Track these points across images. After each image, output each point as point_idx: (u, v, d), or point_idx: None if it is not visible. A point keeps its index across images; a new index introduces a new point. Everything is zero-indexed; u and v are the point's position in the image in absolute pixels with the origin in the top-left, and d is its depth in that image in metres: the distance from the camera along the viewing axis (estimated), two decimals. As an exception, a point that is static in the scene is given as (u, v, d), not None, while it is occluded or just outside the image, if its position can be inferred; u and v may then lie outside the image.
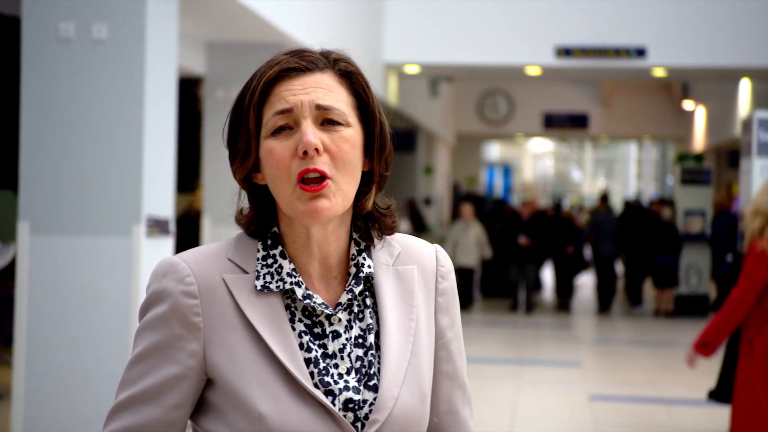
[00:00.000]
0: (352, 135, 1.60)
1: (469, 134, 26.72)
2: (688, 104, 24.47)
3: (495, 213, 19.29)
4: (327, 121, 1.59)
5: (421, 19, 14.59)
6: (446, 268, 1.73)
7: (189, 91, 10.03)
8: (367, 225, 1.68)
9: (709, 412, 8.34)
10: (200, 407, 1.63)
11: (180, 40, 9.63)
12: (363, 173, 1.65)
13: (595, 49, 14.35)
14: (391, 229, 1.70)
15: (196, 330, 1.59)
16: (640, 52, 14.22)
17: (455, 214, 22.86)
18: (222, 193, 9.94)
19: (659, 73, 15.07)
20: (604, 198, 17.57)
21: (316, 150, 1.56)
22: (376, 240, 1.68)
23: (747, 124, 7.52)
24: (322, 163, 1.57)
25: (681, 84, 24.13)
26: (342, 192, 1.59)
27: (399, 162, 20.68)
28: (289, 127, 1.59)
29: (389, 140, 1.66)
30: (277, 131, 1.59)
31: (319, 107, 1.58)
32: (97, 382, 6.44)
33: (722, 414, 8.13)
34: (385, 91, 15.19)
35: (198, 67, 9.92)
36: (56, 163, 6.47)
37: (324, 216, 1.57)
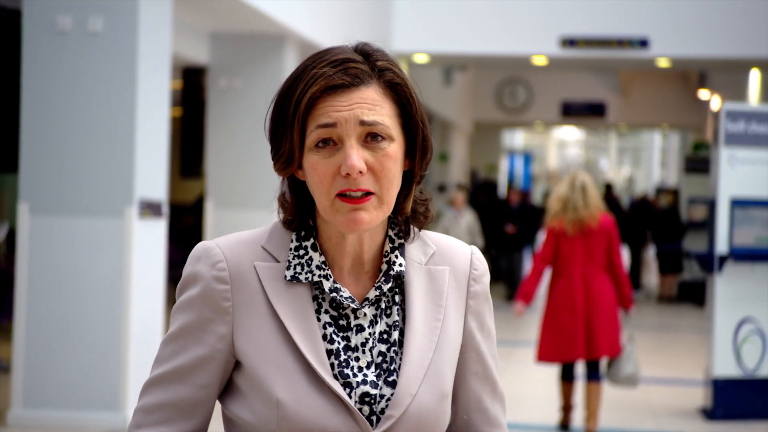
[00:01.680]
0: (395, 150, 1.61)
1: (487, 122, 26.96)
2: (703, 93, 24.62)
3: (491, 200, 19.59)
4: (370, 135, 1.59)
5: (429, 9, 14.87)
6: (480, 271, 1.75)
7: (193, 80, 10.42)
8: (406, 221, 1.70)
9: (682, 390, 8.67)
10: (227, 389, 1.67)
11: (184, 31, 10.03)
12: (404, 173, 1.67)
13: (598, 39, 14.60)
14: (427, 220, 1.71)
15: (225, 314, 1.62)
16: (643, 43, 14.46)
17: (471, 200, 23.18)
18: (224, 177, 10.34)
19: (663, 63, 15.29)
20: (608, 187, 17.85)
21: (360, 172, 1.57)
22: (412, 233, 1.70)
23: (716, 115, 7.83)
24: (365, 183, 1.58)
25: (698, 73, 24.26)
26: (385, 205, 1.61)
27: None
28: (333, 141, 1.59)
29: (430, 146, 1.67)
30: (321, 144, 1.59)
31: (363, 123, 1.59)
32: (91, 352, 6.85)
33: (694, 392, 8.45)
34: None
35: (202, 58, 10.30)
36: (54, 148, 6.88)
37: (362, 228, 1.59)
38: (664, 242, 15.49)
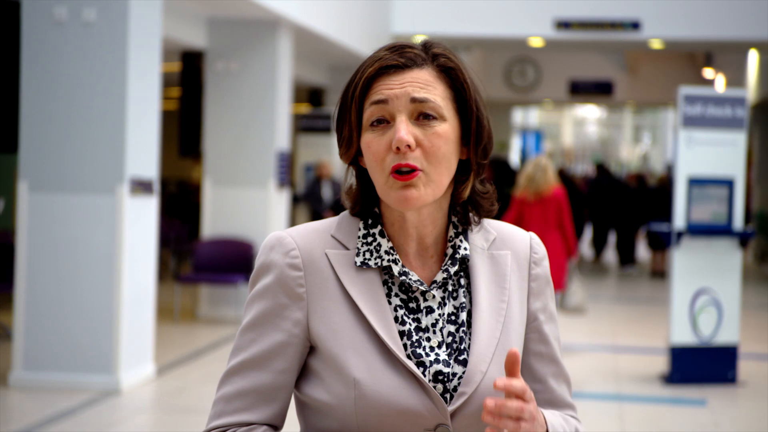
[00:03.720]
0: (446, 130, 1.64)
1: (497, 101, 27.33)
2: (708, 72, 24.91)
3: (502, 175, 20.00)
4: (422, 115, 1.64)
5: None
6: (539, 255, 1.79)
7: (192, 63, 10.92)
8: (465, 209, 1.74)
9: (650, 358, 9.16)
10: (302, 374, 1.70)
11: (183, 17, 10.54)
12: (461, 161, 1.70)
13: (592, 22, 14.99)
14: (489, 212, 1.75)
15: (300, 300, 1.66)
16: (635, 25, 14.84)
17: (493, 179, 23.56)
18: (221, 157, 10.87)
19: (656, 45, 15.66)
20: (600, 166, 18.29)
21: (408, 146, 1.61)
22: (473, 224, 1.75)
23: (676, 98, 8.26)
24: (414, 159, 1.62)
25: (704, 53, 24.55)
26: (433, 183, 1.63)
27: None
28: (386, 120, 1.64)
29: (487, 132, 1.70)
30: (376, 123, 1.64)
31: (414, 100, 1.63)
32: (86, 319, 7.39)
33: (658, 360, 8.94)
34: (395, 61, 15.93)
35: (200, 42, 10.81)
36: (52, 130, 7.41)
37: (413, 204, 1.63)
38: (655, 219, 15.91)
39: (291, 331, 1.66)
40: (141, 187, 7.62)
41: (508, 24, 15.36)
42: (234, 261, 10.64)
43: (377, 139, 1.64)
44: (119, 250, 7.42)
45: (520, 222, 8.88)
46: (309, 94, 16.82)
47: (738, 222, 8.21)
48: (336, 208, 13.07)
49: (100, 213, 7.42)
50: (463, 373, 1.65)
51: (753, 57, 19.70)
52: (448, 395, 1.64)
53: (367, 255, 1.68)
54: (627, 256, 17.18)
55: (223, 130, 10.85)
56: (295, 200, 14.28)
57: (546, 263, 1.79)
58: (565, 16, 15.02)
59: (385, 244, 1.69)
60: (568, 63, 26.35)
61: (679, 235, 8.12)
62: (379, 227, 1.70)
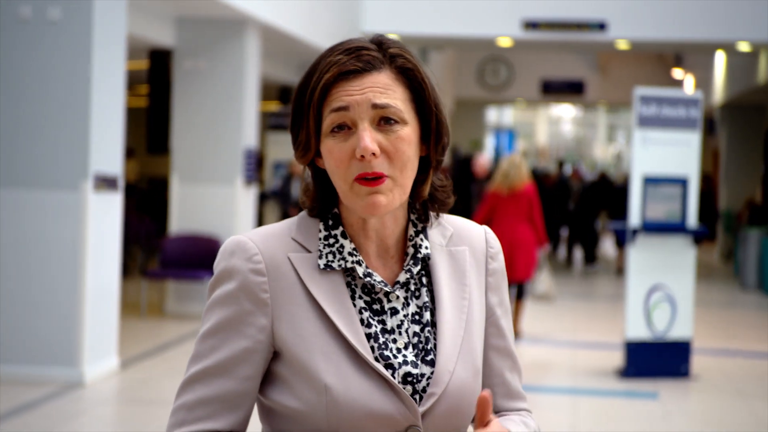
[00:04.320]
0: (408, 133, 1.63)
1: (470, 100, 27.54)
2: (677, 73, 25.17)
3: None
4: (383, 119, 1.62)
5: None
6: (495, 249, 1.79)
7: (160, 62, 11.03)
8: (424, 205, 1.73)
9: (606, 354, 9.35)
10: (267, 379, 1.67)
11: (151, 15, 10.64)
12: (420, 158, 1.69)
13: (559, 22, 15.17)
14: (446, 205, 1.75)
15: (265, 305, 1.63)
16: (602, 26, 15.03)
17: (453, 175, 23.79)
18: (189, 154, 10.98)
19: (622, 45, 15.86)
20: (561, 165, 18.53)
21: (373, 154, 1.59)
22: (432, 219, 1.74)
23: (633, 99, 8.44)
24: (379, 165, 1.60)
25: (673, 53, 24.82)
26: (399, 187, 1.63)
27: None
28: (347, 126, 1.62)
29: (446, 130, 1.69)
30: (337, 129, 1.62)
31: (375, 106, 1.61)
32: (50, 314, 7.49)
33: (615, 355, 9.12)
34: (365, 59, 16.07)
35: (168, 40, 10.92)
36: (17, 127, 7.51)
37: (381, 211, 1.62)
38: (620, 217, 16.12)
39: (256, 337, 1.63)
40: (105, 183, 7.74)
41: (477, 24, 15.52)
42: (201, 257, 10.76)
43: (339, 145, 1.62)
44: (83, 246, 7.53)
45: (493, 214, 9.76)
46: (279, 92, 16.93)
47: (692, 220, 8.41)
48: (300, 206, 13.20)
49: (65, 209, 7.53)
50: (432, 373, 1.64)
51: (720, 58, 19.95)
52: (417, 396, 1.63)
53: (330, 257, 1.66)
54: (590, 255, 17.39)
55: (191, 127, 10.97)
56: (265, 198, 14.40)
57: (501, 257, 1.80)
58: (533, 17, 15.20)
59: (348, 246, 1.67)
60: (540, 63, 26.57)
61: (634, 232, 8.31)
62: (341, 228, 1.68)
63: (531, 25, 15.22)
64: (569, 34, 15.22)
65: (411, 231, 1.71)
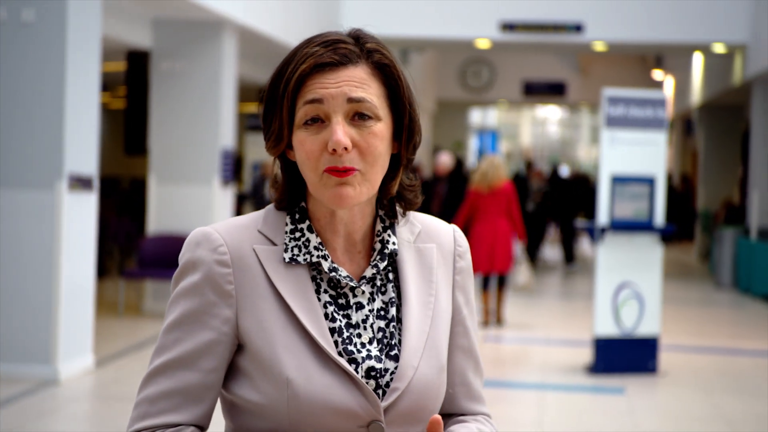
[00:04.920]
0: (381, 129, 1.63)
1: (452, 101, 27.69)
2: (657, 74, 25.35)
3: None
4: (358, 114, 1.61)
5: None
6: (463, 248, 1.79)
7: (137, 63, 11.14)
8: (392, 202, 1.73)
9: (577, 350, 9.48)
10: (230, 373, 1.67)
11: (128, 17, 10.75)
12: (392, 155, 1.69)
13: (535, 24, 15.33)
14: (414, 204, 1.74)
15: (229, 297, 1.62)
16: (578, 28, 15.19)
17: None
18: (166, 154, 11.08)
19: (599, 47, 16.01)
20: (529, 165, 18.72)
21: (345, 148, 1.59)
22: (399, 216, 1.74)
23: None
24: (350, 160, 1.60)
25: (653, 55, 25.00)
26: (368, 182, 1.63)
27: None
28: (320, 119, 1.61)
29: (418, 128, 1.69)
30: (310, 122, 1.62)
31: (350, 100, 1.60)
32: (25, 312, 7.58)
33: (584, 352, 9.26)
34: (344, 61, 16.19)
35: (146, 42, 11.03)
36: (-8, 127, 7.62)
37: (348, 203, 1.61)
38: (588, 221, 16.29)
39: (220, 329, 1.62)
40: (80, 183, 7.83)
41: (455, 25, 15.65)
42: (178, 257, 10.85)
43: (311, 138, 1.61)
44: (58, 245, 7.63)
45: (475, 210, 10.55)
46: (258, 94, 17.03)
47: (659, 218, 8.54)
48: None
49: (39, 209, 7.63)
50: (395, 368, 1.64)
51: (698, 59, 20.12)
52: (380, 391, 1.63)
53: (296, 251, 1.66)
54: (569, 254, 17.55)
55: (169, 128, 11.07)
56: (243, 198, 14.50)
57: (469, 257, 1.79)
58: (511, 18, 15.35)
59: (314, 240, 1.66)
60: (521, 64, 26.73)
61: (603, 230, 8.44)
62: (307, 222, 1.68)
63: (508, 26, 15.37)
64: (546, 35, 15.38)
65: (379, 227, 1.71)
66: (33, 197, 7.61)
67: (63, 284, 7.66)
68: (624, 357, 8.49)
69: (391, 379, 1.64)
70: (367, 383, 1.62)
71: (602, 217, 8.48)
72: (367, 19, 15.50)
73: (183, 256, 1.66)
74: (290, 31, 12.99)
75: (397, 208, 1.74)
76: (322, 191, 1.62)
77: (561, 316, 12.17)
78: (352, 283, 1.66)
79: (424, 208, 16.99)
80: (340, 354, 1.62)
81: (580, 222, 11.02)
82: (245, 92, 16.85)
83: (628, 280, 8.52)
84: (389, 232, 1.71)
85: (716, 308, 13.68)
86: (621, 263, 8.54)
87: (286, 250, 1.66)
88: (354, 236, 1.69)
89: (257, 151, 14.57)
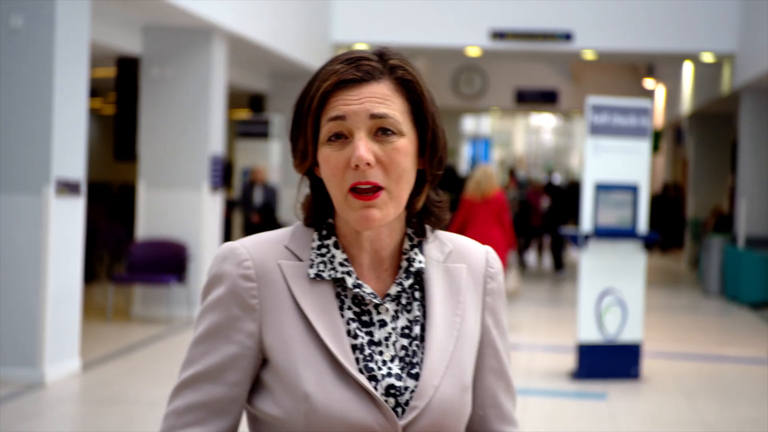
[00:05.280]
0: (404, 144, 1.62)
1: (445, 108, 27.74)
2: (649, 83, 25.46)
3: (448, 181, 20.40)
4: (381, 130, 1.61)
5: (368, 2, 15.61)
6: (495, 270, 1.77)
7: (128, 69, 11.21)
8: (420, 220, 1.72)
9: (559, 357, 9.56)
10: (253, 386, 1.68)
11: (119, 24, 10.82)
12: (417, 171, 1.68)
13: (525, 33, 15.42)
14: (442, 221, 1.73)
15: (253, 311, 1.64)
16: (567, 36, 15.29)
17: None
18: (156, 160, 11.15)
19: (589, 56, 16.11)
20: (512, 173, 18.80)
21: (368, 164, 1.59)
22: (428, 234, 1.73)
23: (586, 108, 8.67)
24: (374, 176, 1.60)
25: (645, 63, 25.11)
26: (395, 200, 1.62)
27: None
28: (344, 135, 1.61)
29: (443, 143, 1.68)
30: (334, 138, 1.62)
31: (373, 116, 1.61)
32: (12, 316, 7.64)
33: (568, 358, 9.33)
34: (335, 68, 16.29)
35: (136, 48, 11.10)
36: (-20, 132, 7.68)
37: (374, 225, 1.61)
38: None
39: (244, 343, 1.64)
40: (67, 188, 7.90)
41: (446, 33, 15.75)
42: (167, 262, 10.93)
43: (335, 154, 1.61)
44: (45, 249, 7.69)
45: (468, 218, 10.80)
46: (250, 100, 17.11)
47: (642, 226, 8.62)
48: (263, 212, 13.37)
49: (27, 213, 7.69)
50: (416, 387, 1.63)
51: (688, 68, 20.23)
52: (399, 409, 1.62)
53: (321, 266, 1.66)
54: (558, 262, 17.63)
55: (158, 134, 11.14)
56: (233, 204, 14.57)
57: (501, 278, 1.78)
58: (501, 27, 15.44)
59: (340, 256, 1.67)
60: (514, 72, 26.82)
61: (586, 237, 8.52)
62: (333, 239, 1.68)
63: (498, 34, 15.47)
64: (536, 44, 15.48)
65: (406, 245, 1.70)
66: (20, 202, 7.68)
67: (50, 288, 7.72)
68: (607, 363, 8.57)
69: (411, 398, 1.63)
70: (386, 401, 1.62)
71: (586, 224, 8.55)
72: (357, 27, 15.59)
73: (210, 271, 1.68)
74: (280, 37, 13.08)
75: (427, 226, 1.73)
76: (348, 212, 1.62)
77: (546, 322, 12.26)
78: (376, 300, 1.66)
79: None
80: (360, 371, 1.62)
81: (565, 229, 11.13)
82: (235, 98, 16.94)
83: (611, 286, 8.60)
84: (416, 250, 1.71)
85: (703, 316, 13.76)
86: (604, 270, 8.61)
87: (311, 266, 1.66)
88: (381, 253, 1.69)
89: (248, 157, 14.65)
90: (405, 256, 1.69)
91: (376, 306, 1.66)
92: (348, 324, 1.64)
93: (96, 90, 17.23)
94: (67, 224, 7.97)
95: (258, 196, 13.42)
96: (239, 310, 1.63)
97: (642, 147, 8.64)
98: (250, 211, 13.39)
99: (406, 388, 1.63)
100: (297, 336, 1.62)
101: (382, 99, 1.61)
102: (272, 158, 14.68)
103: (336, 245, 1.67)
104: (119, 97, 11.19)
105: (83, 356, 8.49)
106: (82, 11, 8.09)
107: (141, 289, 11.22)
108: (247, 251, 1.65)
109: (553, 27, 15.33)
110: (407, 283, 1.68)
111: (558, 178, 26.32)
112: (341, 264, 1.66)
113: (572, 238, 8.88)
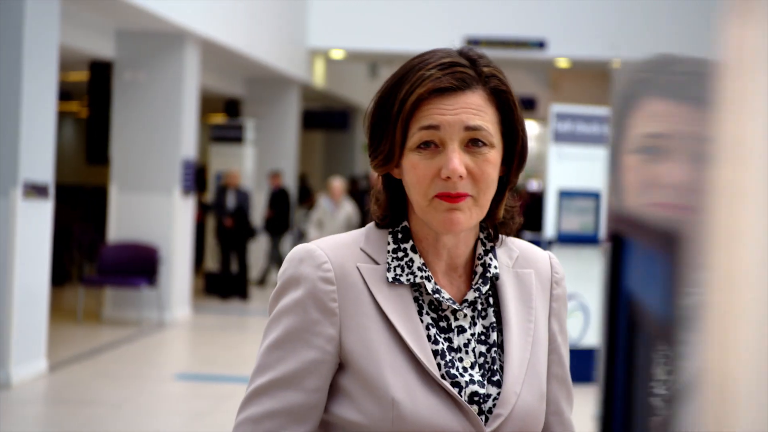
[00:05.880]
0: (494, 157, 1.60)
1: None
2: (625, 91, 25.59)
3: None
4: (472, 141, 1.59)
5: (344, 7, 15.70)
6: (560, 275, 1.78)
7: (100, 73, 11.28)
8: (495, 225, 1.71)
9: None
10: (329, 392, 1.64)
11: (91, 28, 10.89)
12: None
13: (499, 40, 15.54)
14: (514, 226, 1.73)
15: (333, 315, 1.60)
16: (541, 44, 15.42)
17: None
18: (127, 163, 11.22)
19: (562, 63, 16.24)
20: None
21: (460, 176, 1.57)
22: (500, 238, 1.72)
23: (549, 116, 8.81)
24: (464, 187, 1.58)
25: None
26: (479, 207, 1.60)
27: (335, 140, 21.90)
28: (434, 143, 1.58)
29: (527, 154, 1.66)
30: (423, 146, 1.59)
31: (467, 128, 1.57)
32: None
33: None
34: (311, 74, 16.42)
35: (108, 52, 11.17)
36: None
37: (458, 228, 1.60)
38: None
39: (324, 347, 1.59)
40: (35, 190, 7.97)
41: (421, 40, 15.78)
42: (138, 264, 10.99)
43: (424, 162, 1.58)
44: (11, 251, 7.75)
45: None
46: (225, 105, 17.19)
47: (604, 232, 8.74)
48: (236, 216, 13.45)
49: (-6, 214, 7.76)
50: (498, 394, 1.62)
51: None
52: (483, 417, 1.60)
53: (398, 270, 1.63)
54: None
55: (130, 137, 11.21)
56: (207, 208, 14.65)
57: (564, 284, 1.78)
58: (475, 34, 15.55)
59: (418, 260, 1.64)
60: (492, 79, 26.88)
61: (549, 243, 8.64)
62: (411, 242, 1.65)
63: (473, 41, 15.55)
64: (510, 51, 15.60)
65: (480, 250, 1.68)
66: (-13, 204, 7.73)
67: (16, 290, 7.78)
68: (570, 367, 8.67)
69: (494, 405, 1.61)
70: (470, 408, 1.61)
71: (549, 230, 8.67)
72: (333, 32, 15.68)
73: (285, 273, 1.63)
74: (255, 43, 13.17)
75: (500, 233, 1.72)
76: (432, 215, 1.59)
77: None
78: (454, 306, 1.64)
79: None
80: (443, 377, 1.60)
81: (527, 234, 11.24)
82: (211, 103, 17.00)
83: (574, 292, 8.72)
84: (491, 255, 1.69)
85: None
86: (567, 275, 8.70)
87: (389, 270, 1.63)
88: (456, 260, 1.67)
89: (222, 161, 14.72)
90: (480, 262, 1.68)
91: (454, 312, 1.65)
92: (427, 329, 1.62)
93: (72, 93, 17.27)
94: (34, 226, 8.04)
95: (231, 201, 13.49)
96: (318, 313, 1.59)
97: (604, 154, 8.77)
98: (223, 215, 13.46)
99: (488, 396, 1.62)
100: (380, 341, 1.59)
101: (476, 110, 1.58)
102: (246, 163, 14.76)
103: (414, 249, 1.65)
104: (92, 101, 11.26)
105: (50, 358, 8.55)
106: (52, 14, 8.16)
107: (112, 291, 11.28)
108: (325, 253, 1.62)
109: (526, 35, 15.46)
110: (484, 289, 1.66)
111: (534, 185, 26.39)
112: (419, 269, 1.64)
113: (535, 245, 9.00)
